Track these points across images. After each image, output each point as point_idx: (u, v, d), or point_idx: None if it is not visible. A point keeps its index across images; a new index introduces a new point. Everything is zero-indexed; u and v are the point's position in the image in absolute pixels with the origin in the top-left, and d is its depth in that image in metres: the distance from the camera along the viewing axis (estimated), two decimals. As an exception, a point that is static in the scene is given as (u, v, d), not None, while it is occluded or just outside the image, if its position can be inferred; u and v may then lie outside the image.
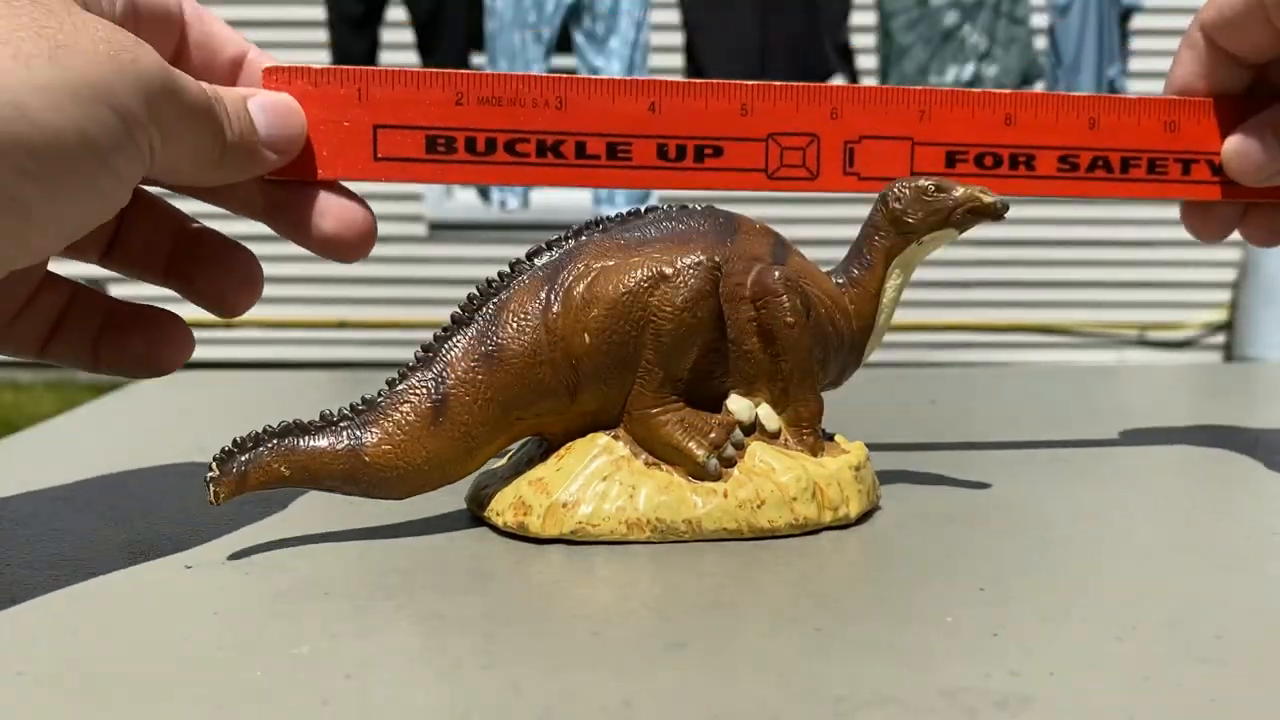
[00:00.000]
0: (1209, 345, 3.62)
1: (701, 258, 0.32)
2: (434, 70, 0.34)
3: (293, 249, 0.36)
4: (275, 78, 0.34)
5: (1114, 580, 0.28)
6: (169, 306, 0.35)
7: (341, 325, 3.52)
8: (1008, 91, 0.38)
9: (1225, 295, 3.49)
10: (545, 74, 0.31)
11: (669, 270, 0.31)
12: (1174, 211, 0.43)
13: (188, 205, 0.35)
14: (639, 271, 0.31)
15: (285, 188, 0.33)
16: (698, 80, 0.35)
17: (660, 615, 0.25)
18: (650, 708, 0.21)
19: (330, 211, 0.33)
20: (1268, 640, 0.24)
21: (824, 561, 0.30)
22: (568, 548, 0.31)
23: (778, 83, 0.36)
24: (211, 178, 0.31)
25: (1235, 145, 0.40)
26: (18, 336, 0.32)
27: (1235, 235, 0.43)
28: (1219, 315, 3.51)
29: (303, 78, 0.34)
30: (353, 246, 0.33)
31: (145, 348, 0.33)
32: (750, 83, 0.36)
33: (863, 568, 0.30)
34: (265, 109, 0.32)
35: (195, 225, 0.34)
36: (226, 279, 0.34)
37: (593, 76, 0.35)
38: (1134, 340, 3.59)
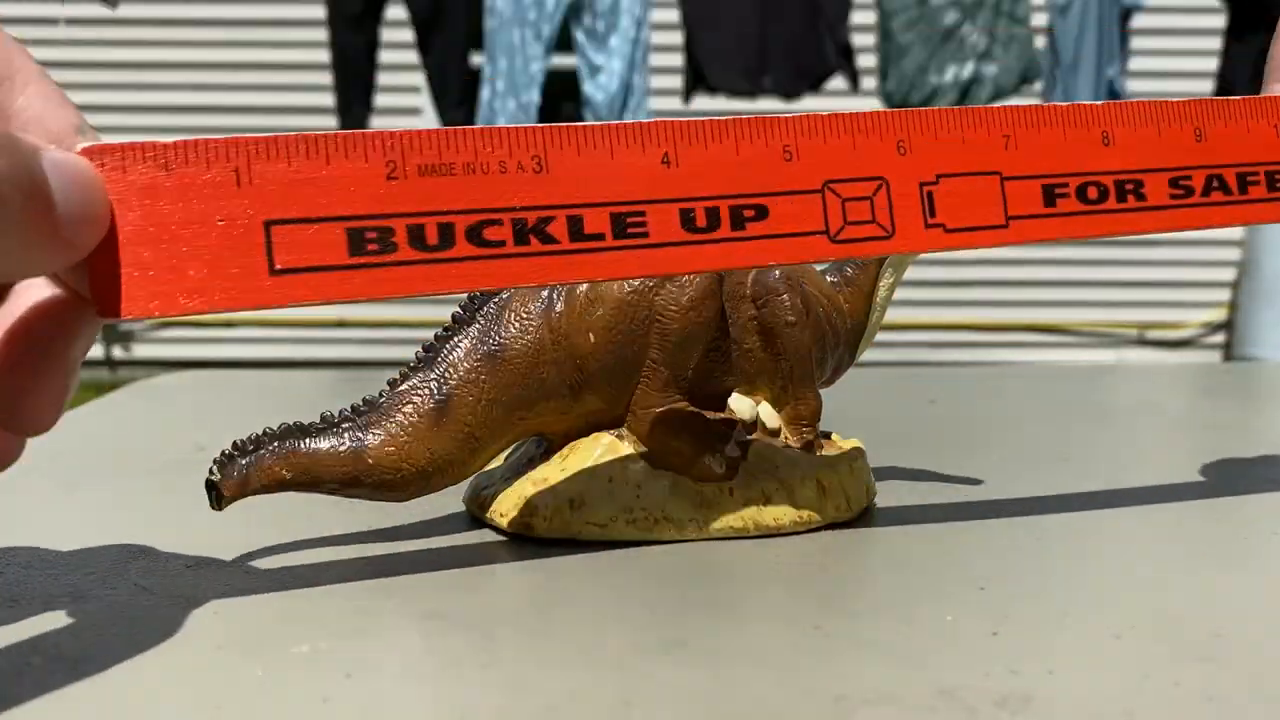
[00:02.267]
0: (1208, 345, 3.62)
1: None
2: (350, 132, 0.23)
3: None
4: (106, 161, 0.21)
5: (1114, 580, 0.28)
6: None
7: (341, 324, 3.52)
8: (1097, 104, 0.30)
9: (1224, 295, 3.49)
10: (516, 125, 0.24)
11: None
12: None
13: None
14: None
15: None
16: (722, 119, 0.26)
17: (660, 614, 0.26)
18: (650, 707, 0.21)
19: None
20: (1266, 640, 0.24)
21: (823, 560, 0.30)
22: (568, 547, 0.31)
23: (826, 113, 0.27)
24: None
25: None
26: None
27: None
28: (1218, 315, 3.51)
29: (147, 159, 0.22)
30: None
31: None
32: (792, 115, 0.26)
33: (862, 567, 0.30)
34: (59, 166, 0.20)
35: None
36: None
37: (581, 124, 0.25)
38: (1133, 340, 3.59)
